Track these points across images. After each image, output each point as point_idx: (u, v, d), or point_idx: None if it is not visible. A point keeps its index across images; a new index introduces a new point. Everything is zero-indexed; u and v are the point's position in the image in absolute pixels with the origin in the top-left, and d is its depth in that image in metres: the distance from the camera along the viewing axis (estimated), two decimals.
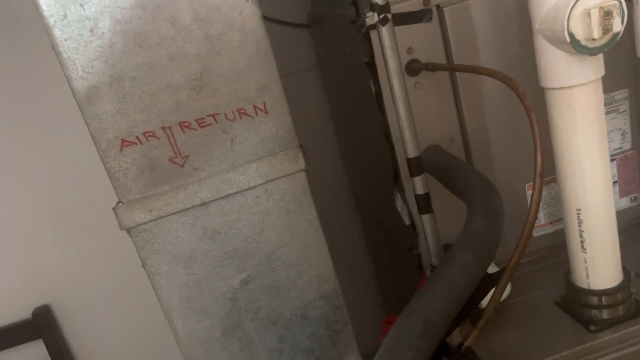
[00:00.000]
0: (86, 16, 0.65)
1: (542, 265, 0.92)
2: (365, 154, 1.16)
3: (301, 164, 0.74)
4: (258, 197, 0.75)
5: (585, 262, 0.75)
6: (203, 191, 0.72)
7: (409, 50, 0.82)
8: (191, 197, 0.72)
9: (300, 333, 0.80)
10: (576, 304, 0.78)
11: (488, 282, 0.67)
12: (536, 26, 0.68)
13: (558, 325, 0.78)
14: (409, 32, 0.81)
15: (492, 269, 0.79)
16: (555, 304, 0.82)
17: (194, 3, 0.67)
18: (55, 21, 0.64)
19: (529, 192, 0.89)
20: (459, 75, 0.84)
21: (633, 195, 0.94)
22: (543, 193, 0.80)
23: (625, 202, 0.93)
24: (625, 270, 0.77)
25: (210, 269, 0.75)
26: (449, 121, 0.86)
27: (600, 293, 0.75)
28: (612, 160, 0.90)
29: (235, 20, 0.68)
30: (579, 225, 0.74)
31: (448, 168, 0.79)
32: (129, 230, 0.72)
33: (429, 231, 0.75)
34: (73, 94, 0.67)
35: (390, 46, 0.69)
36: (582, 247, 0.75)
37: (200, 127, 0.71)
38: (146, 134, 0.69)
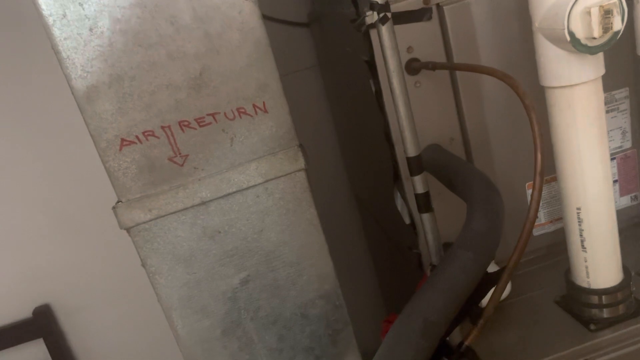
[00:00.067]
0: (85, 15, 0.64)
1: (542, 264, 0.92)
2: (365, 153, 1.16)
3: (301, 163, 0.74)
4: (258, 196, 0.74)
5: (586, 261, 0.75)
6: (203, 190, 0.72)
7: (409, 49, 0.81)
8: (191, 196, 0.72)
9: (300, 332, 0.80)
10: (576, 303, 0.78)
11: (488, 281, 0.67)
12: (536, 25, 0.68)
13: (558, 324, 0.78)
14: (409, 31, 0.81)
15: (492, 268, 0.79)
16: (556, 303, 0.82)
17: (193, 2, 0.66)
18: (54, 20, 0.64)
19: (529, 191, 0.89)
20: (459, 74, 0.84)
21: (633, 194, 0.93)
22: (543, 192, 0.80)
23: (625, 201, 0.93)
24: (625, 269, 0.77)
25: (210, 268, 0.75)
26: (449, 120, 0.86)
27: (600, 292, 0.75)
28: (612, 159, 0.90)
29: (234, 19, 0.68)
30: (579, 224, 0.74)
31: (448, 167, 0.79)
32: (128, 230, 0.72)
33: (429, 230, 0.75)
34: (72, 93, 0.67)
35: (390, 45, 0.69)
36: (582, 246, 0.74)
37: (200, 126, 0.70)
38: (146, 133, 0.69)
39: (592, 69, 0.67)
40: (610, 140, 0.89)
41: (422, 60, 0.82)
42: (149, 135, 0.69)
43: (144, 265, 0.74)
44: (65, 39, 0.65)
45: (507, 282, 0.68)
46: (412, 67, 0.82)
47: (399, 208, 0.91)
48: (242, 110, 0.71)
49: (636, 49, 0.76)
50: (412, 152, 0.72)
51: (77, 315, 1.39)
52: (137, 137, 0.69)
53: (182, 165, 0.71)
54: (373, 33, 0.79)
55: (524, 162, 0.86)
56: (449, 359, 0.68)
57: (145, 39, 0.66)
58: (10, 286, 1.33)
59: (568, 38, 0.63)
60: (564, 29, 0.63)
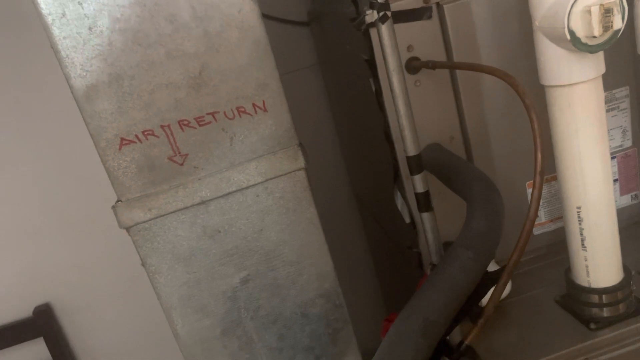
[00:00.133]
0: (85, 14, 0.64)
1: (543, 263, 0.91)
2: (365, 152, 1.16)
3: (301, 162, 0.74)
4: (258, 196, 0.74)
5: (586, 260, 0.75)
6: (202, 190, 0.72)
7: (409, 48, 0.81)
8: (191, 195, 0.72)
9: (300, 331, 0.80)
10: (576, 302, 0.78)
11: (488, 280, 0.67)
12: (536, 23, 0.68)
13: (558, 323, 0.78)
14: (409, 30, 0.80)
15: (493, 267, 0.79)
16: (556, 302, 0.81)
17: (192, 1, 0.66)
18: (53, 19, 0.64)
19: (529, 190, 0.89)
20: (459, 73, 0.83)
21: (634, 193, 0.93)
22: (543, 191, 0.80)
23: (625, 200, 0.93)
24: (625, 268, 0.76)
25: (210, 267, 0.75)
26: (449, 119, 0.86)
27: (600, 291, 0.75)
28: (612, 158, 0.90)
29: (234, 18, 0.68)
30: (580, 223, 0.74)
31: (448, 166, 0.79)
32: (128, 229, 0.72)
33: (429, 229, 0.75)
34: (72, 92, 0.67)
35: (390, 44, 0.69)
36: (583, 245, 0.74)
37: (200, 125, 0.70)
38: (145, 133, 0.69)
39: (592, 67, 0.67)
40: (611, 139, 0.89)
41: (422, 59, 0.82)
42: (148, 134, 0.69)
43: (143, 264, 0.74)
44: (64, 38, 0.65)
45: (507, 282, 0.68)
46: (412, 66, 0.82)
47: (399, 207, 0.91)
48: (242, 109, 0.71)
49: (636, 48, 0.75)
50: (412, 151, 0.72)
51: (77, 315, 1.39)
52: (136, 136, 0.69)
53: (181, 164, 0.71)
54: (373, 32, 0.79)
55: (524, 161, 0.86)
56: (449, 358, 0.68)
57: (145, 37, 0.66)
58: (11, 285, 1.33)
59: (568, 37, 0.63)
60: (564, 28, 0.63)
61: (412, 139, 0.72)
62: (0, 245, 1.30)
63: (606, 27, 0.62)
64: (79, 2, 0.64)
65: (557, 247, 0.90)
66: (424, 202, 0.74)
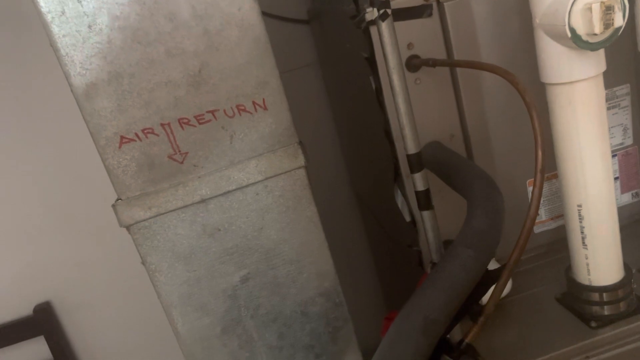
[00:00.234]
0: (84, 12, 0.64)
1: (543, 261, 0.91)
2: (365, 150, 1.16)
3: (301, 160, 0.74)
4: (257, 194, 0.74)
5: (587, 259, 0.75)
6: (202, 188, 0.72)
7: (409, 45, 0.81)
8: (190, 194, 0.72)
9: (300, 330, 0.80)
10: (577, 301, 0.78)
11: (489, 278, 0.67)
12: (537, 21, 0.68)
13: (559, 321, 0.78)
14: (409, 28, 0.80)
15: (493, 265, 0.79)
16: (556, 301, 0.81)
17: None
18: (53, 17, 0.64)
19: (530, 188, 0.89)
20: (459, 71, 0.83)
21: (634, 191, 0.93)
22: (544, 189, 0.79)
23: (626, 198, 0.93)
24: (626, 266, 0.76)
25: (210, 266, 0.75)
26: (450, 117, 0.86)
27: (601, 289, 0.75)
28: (613, 156, 0.90)
29: (234, 16, 0.68)
30: (580, 222, 0.74)
31: (448, 164, 0.79)
32: (128, 228, 0.72)
33: (429, 228, 0.75)
34: (71, 90, 0.67)
35: (390, 42, 0.68)
36: (583, 243, 0.74)
37: (199, 123, 0.70)
38: (145, 131, 0.69)
39: (593, 65, 0.67)
40: (612, 137, 0.88)
41: (422, 57, 0.82)
42: (148, 132, 0.69)
43: (143, 262, 0.74)
44: (63, 36, 0.64)
45: (508, 280, 0.67)
46: (413, 63, 0.81)
47: (400, 205, 0.91)
48: (242, 107, 0.71)
49: (637, 46, 0.75)
50: (412, 149, 0.72)
51: (77, 313, 1.40)
52: (136, 134, 0.69)
53: (181, 162, 0.71)
54: (373, 30, 0.79)
55: (524, 159, 0.86)
56: (450, 357, 0.68)
57: (144, 36, 0.66)
58: (11, 284, 1.33)
59: (569, 34, 0.63)
60: (564, 25, 0.63)
61: (412, 137, 0.71)
62: (0, 243, 1.30)
63: (607, 24, 0.62)
64: (78, 0, 0.64)
65: (558, 245, 0.90)
66: (424, 200, 0.74)
